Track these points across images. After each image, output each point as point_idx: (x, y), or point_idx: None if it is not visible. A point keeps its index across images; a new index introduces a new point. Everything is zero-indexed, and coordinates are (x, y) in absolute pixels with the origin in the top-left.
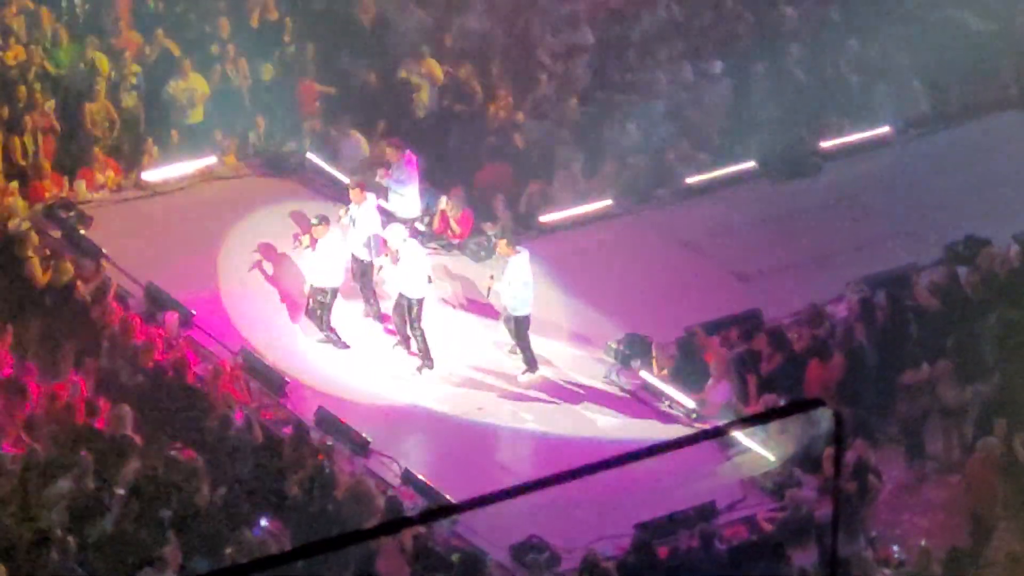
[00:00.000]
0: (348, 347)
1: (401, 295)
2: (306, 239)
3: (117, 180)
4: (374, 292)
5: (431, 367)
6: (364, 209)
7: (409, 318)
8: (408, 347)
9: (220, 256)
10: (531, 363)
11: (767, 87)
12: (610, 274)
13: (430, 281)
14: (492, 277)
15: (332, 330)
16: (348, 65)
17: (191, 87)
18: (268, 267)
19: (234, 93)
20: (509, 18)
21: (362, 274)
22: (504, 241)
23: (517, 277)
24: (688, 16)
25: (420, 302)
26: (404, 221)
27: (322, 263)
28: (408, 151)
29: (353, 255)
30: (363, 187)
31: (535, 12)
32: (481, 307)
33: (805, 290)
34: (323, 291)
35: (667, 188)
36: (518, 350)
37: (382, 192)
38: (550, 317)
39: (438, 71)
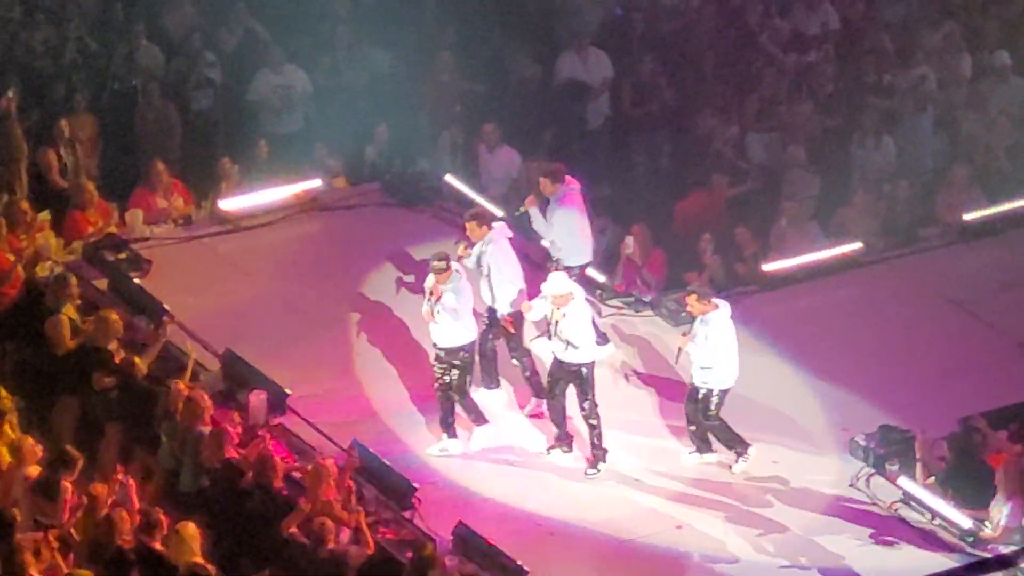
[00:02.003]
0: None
1: (562, 364)
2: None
3: (185, 210)
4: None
5: (604, 461)
6: (488, 243)
7: (581, 395)
8: (568, 447)
9: (325, 316)
10: (742, 443)
11: None
12: (856, 344)
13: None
14: (685, 335)
15: (472, 407)
16: (503, 53)
17: (286, 84)
18: (391, 331)
19: (346, 92)
20: None
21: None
22: (695, 296)
23: (715, 336)
24: None
25: (588, 373)
26: (569, 270)
27: (451, 317)
28: (569, 179)
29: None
30: (481, 218)
31: None
32: (675, 385)
33: None
34: (457, 352)
35: (936, 227)
36: (718, 437)
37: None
38: (771, 401)
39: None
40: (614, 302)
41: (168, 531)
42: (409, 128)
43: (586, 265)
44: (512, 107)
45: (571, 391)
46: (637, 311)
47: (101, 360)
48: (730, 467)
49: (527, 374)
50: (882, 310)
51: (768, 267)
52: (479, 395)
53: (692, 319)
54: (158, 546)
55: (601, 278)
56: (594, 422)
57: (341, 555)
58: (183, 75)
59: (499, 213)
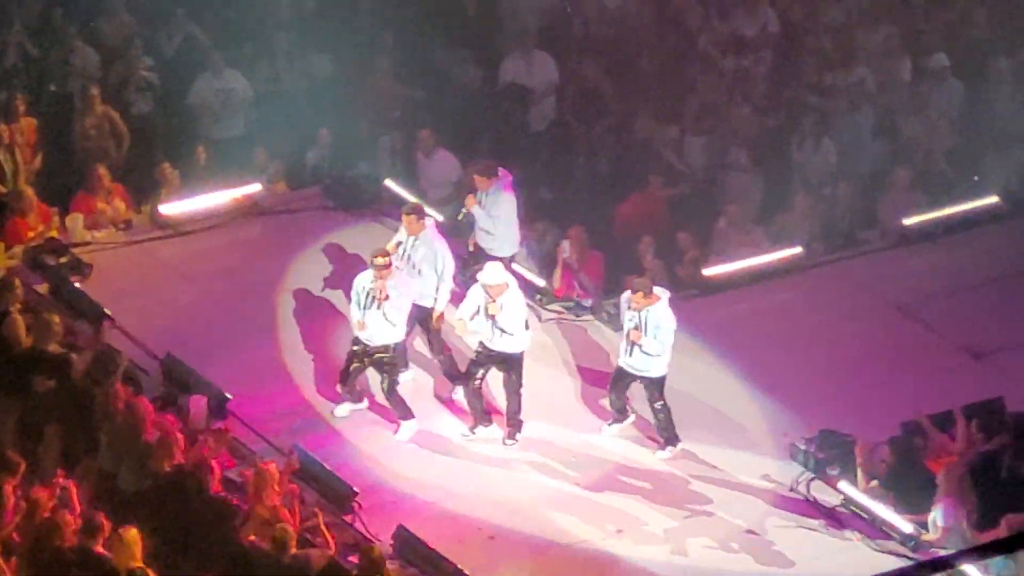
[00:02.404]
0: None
1: (492, 352)
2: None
3: (126, 215)
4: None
5: (519, 431)
6: (423, 241)
7: (514, 382)
8: (488, 422)
9: (266, 320)
10: (674, 435)
11: (1013, 91)
12: (797, 348)
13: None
14: (637, 328)
15: (396, 405)
16: (441, 58)
17: (227, 88)
18: (331, 333)
19: (286, 97)
20: None
21: (422, 326)
22: (640, 294)
23: (665, 327)
24: None
25: (520, 360)
26: (493, 259)
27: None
28: (502, 171)
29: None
30: (421, 213)
31: None
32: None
33: None
34: (384, 350)
35: (876, 231)
36: (656, 417)
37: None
38: (713, 405)
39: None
40: (554, 307)
41: (110, 535)
42: (349, 132)
43: (511, 257)
44: (451, 111)
45: (493, 376)
46: (577, 316)
47: (41, 363)
48: (654, 452)
49: (445, 367)
50: (823, 314)
51: (709, 271)
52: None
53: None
54: (100, 549)
55: (541, 282)
56: (516, 405)
57: (304, 559)
58: (123, 80)
59: (439, 217)
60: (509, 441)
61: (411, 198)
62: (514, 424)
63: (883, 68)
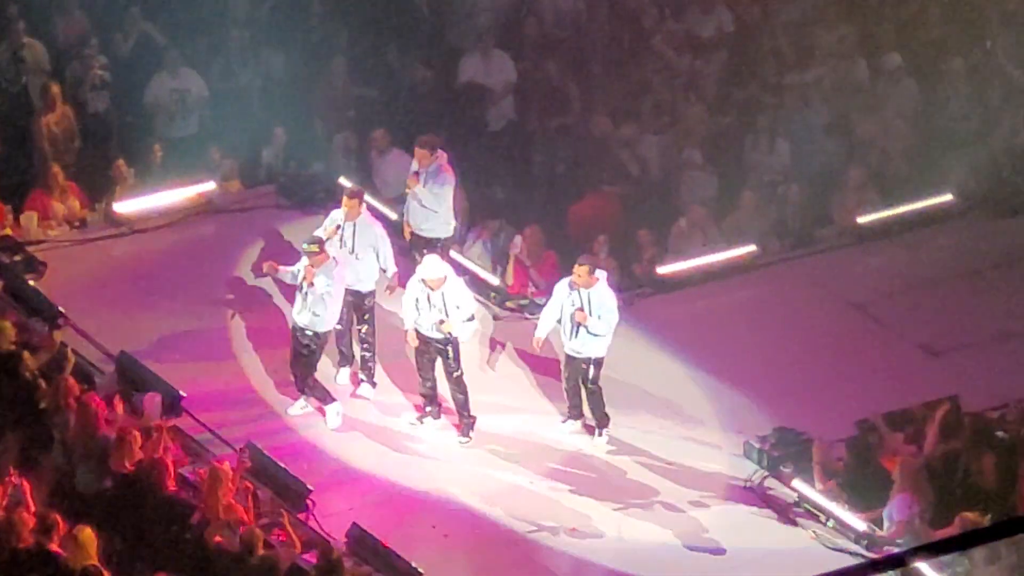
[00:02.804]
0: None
1: (431, 340)
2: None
3: (80, 213)
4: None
5: (472, 427)
6: (360, 224)
7: (452, 366)
8: (437, 414)
9: (219, 317)
10: (605, 416)
11: (967, 90)
12: (753, 346)
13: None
14: (581, 310)
15: (315, 390)
16: (395, 58)
17: (182, 87)
18: (285, 331)
19: (241, 96)
20: None
21: (357, 311)
22: (586, 268)
23: (608, 306)
24: None
25: (457, 345)
26: (434, 242)
27: (328, 302)
28: (441, 152)
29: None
30: (362, 195)
31: None
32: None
33: (1021, 370)
34: (315, 337)
35: (832, 229)
36: (590, 398)
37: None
38: (668, 402)
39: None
40: (510, 304)
41: (65, 534)
42: (304, 131)
43: (448, 239)
44: (406, 111)
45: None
46: (532, 314)
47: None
48: (592, 437)
49: (368, 356)
50: (779, 312)
51: (663, 269)
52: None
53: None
54: (55, 548)
55: (495, 280)
56: (462, 395)
57: (272, 559)
58: (78, 78)
59: (392, 216)
60: (463, 439)
61: (366, 197)
62: (466, 420)
63: (838, 67)
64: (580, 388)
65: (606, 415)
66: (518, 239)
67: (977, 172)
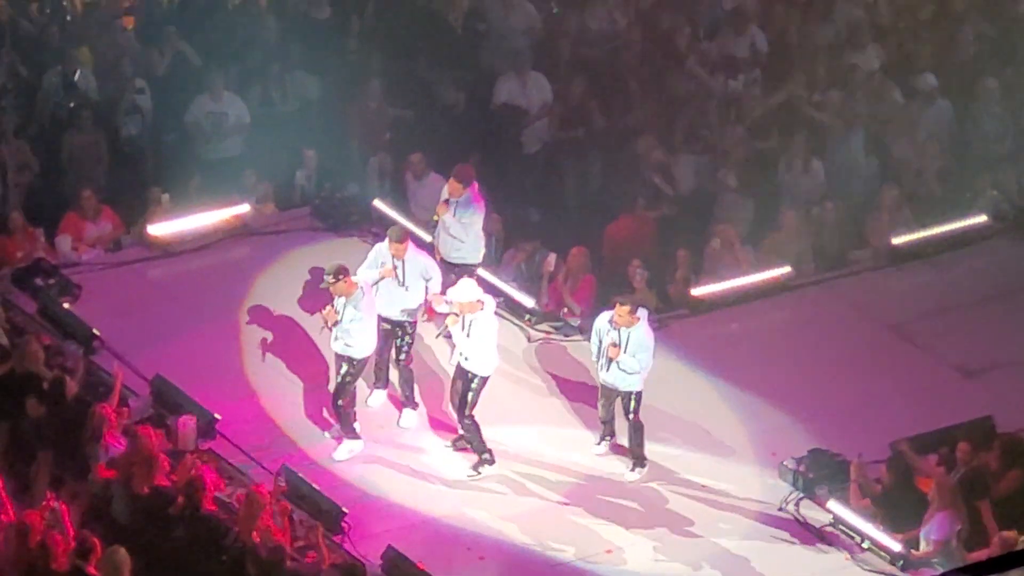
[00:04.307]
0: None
1: (466, 372)
2: (329, 312)
3: (114, 235)
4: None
5: (491, 462)
6: (409, 258)
7: (465, 402)
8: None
9: (254, 340)
10: (642, 457)
11: (1002, 114)
12: (787, 368)
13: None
14: (615, 346)
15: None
16: (430, 80)
17: (220, 111)
18: (319, 355)
19: (276, 118)
20: (649, 15)
21: (397, 339)
22: (627, 308)
23: (645, 345)
24: (898, 12)
25: (484, 382)
26: (464, 268)
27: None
28: (475, 183)
29: (392, 321)
30: (406, 237)
31: (684, 6)
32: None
33: None
34: (361, 364)
35: (868, 251)
36: (630, 434)
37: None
38: (702, 424)
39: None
40: (543, 327)
41: (100, 556)
42: (338, 154)
43: (478, 265)
44: (441, 133)
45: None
46: (566, 336)
47: (33, 386)
48: (623, 475)
49: (406, 382)
50: (813, 334)
51: (697, 291)
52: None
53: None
54: (92, 570)
55: (529, 302)
56: (470, 433)
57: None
58: (113, 101)
59: (427, 238)
60: (471, 473)
61: (400, 219)
62: (482, 456)
63: (873, 88)
64: (614, 417)
65: (643, 456)
66: (552, 257)
67: (1011, 193)
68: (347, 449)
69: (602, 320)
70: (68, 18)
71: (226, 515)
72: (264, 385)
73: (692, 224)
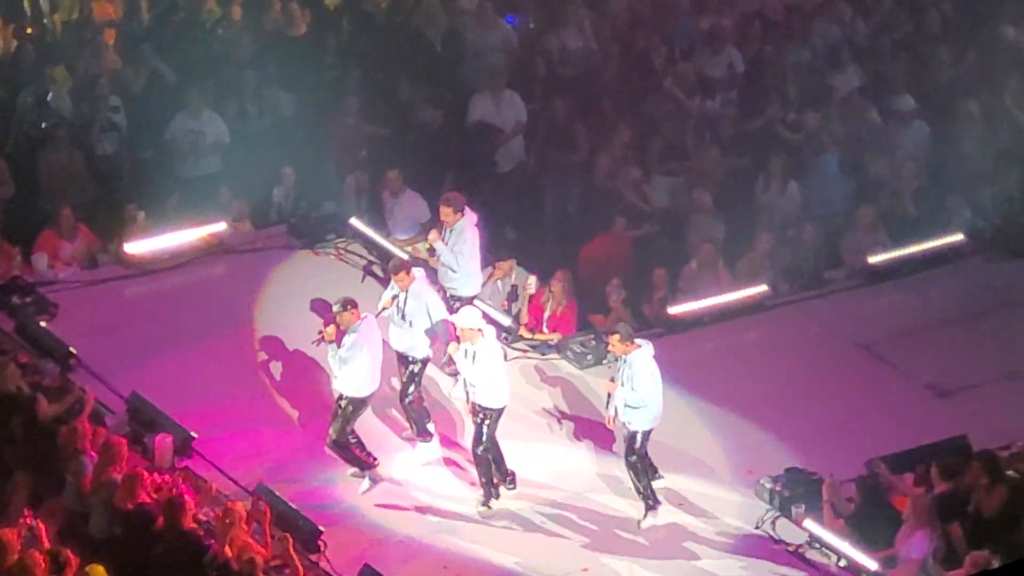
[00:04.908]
0: (376, 473)
1: (476, 406)
2: (330, 330)
3: (91, 253)
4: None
5: (496, 498)
6: (412, 294)
7: (479, 435)
8: (492, 492)
9: (230, 358)
10: (653, 497)
11: (979, 135)
12: (763, 386)
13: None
14: (613, 380)
15: (360, 452)
16: (407, 98)
17: (197, 129)
18: (295, 372)
19: (252, 136)
20: (625, 35)
21: (406, 376)
22: (617, 336)
23: (641, 377)
24: (875, 33)
25: (497, 415)
26: (459, 300)
27: (351, 364)
28: (471, 213)
29: (400, 355)
30: (408, 266)
31: (661, 26)
32: (587, 429)
33: None
34: (355, 402)
35: (842, 270)
36: (635, 480)
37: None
38: (678, 443)
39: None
40: (519, 345)
41: (76, 571)
42: (315, 171)
43: (474, 297)
44: (417, 151)
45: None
46: (543, 354)
47: (8, 404)
48: (638, 523)
49: (417, 416)
50: (789, 353)
51: (674, 310)
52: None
53: (598, 363)
54: None
55: (507, 321)
56: (487, 460)
57: None
58: (88, 119)
59: (403, 256)
60: (482, 508)
61: (377, 237)
62: (488, 489)
63: (850, 109)
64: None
65: (651, 496)
66: (532, 280)
67: (986, 213)
68: (367, 485)
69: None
70: (48, 38)
71: (205, 533)
72: (242, 403)
73: (665, 244)
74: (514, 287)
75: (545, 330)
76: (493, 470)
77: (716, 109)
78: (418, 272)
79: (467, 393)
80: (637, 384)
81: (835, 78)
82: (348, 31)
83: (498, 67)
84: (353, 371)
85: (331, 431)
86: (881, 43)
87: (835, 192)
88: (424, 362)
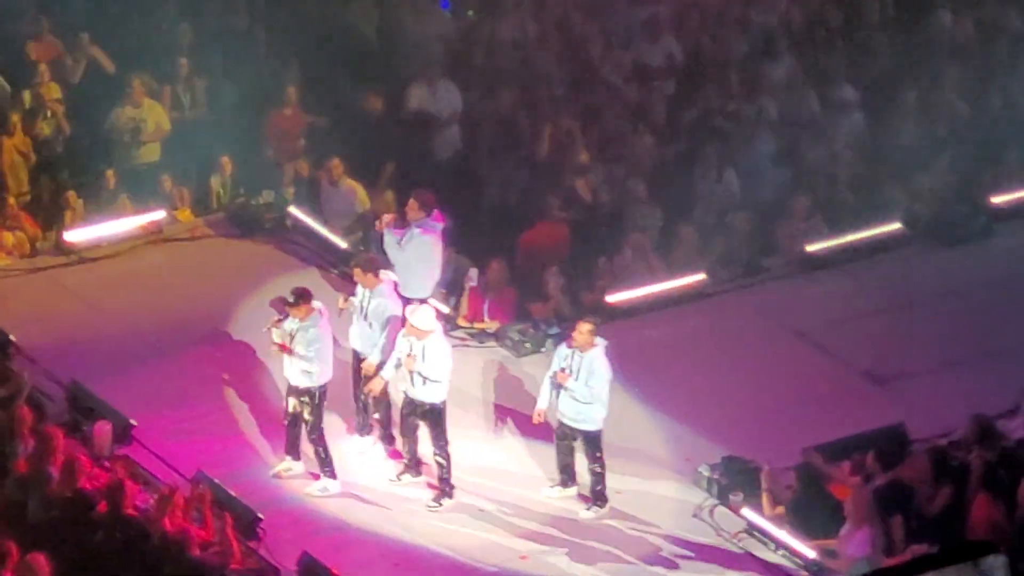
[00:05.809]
0: (334, 476)
1: (415, 402)
2: (277, 334)
3: (31, 241)
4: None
5: (450, 497)
6: (376, 295)
7: (433, 433)
8: (416, 472)
9: (170, 346)
10: (602, 495)
11: (917, 123)
12: (700, 374)
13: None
14: (563, 371)
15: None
16: (344, 88)
17: (140, 118)
18: (235, 359)
19: (189, 125)
20: (562, 23)
21: (367, 378)
22: (589, 328)
23: (599, 373)
24: (811, 23)
25: (442, 411)
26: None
27: (304, 356)
28: (437, 211)
29: (356, 352)
30: (376, 266)
31: (599, 15)
32: (525, 421)
33: (967, 398)
34: (306, 392)
35: (780, 258)
36: (590, 474)
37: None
38: (618, 433)
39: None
40: (457, 333)
41: (17, 561)
42: (254, 160)
43: (422, 301)
44: (356, 140)
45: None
46: (481, 342)
47: None
48: (579, 513)
49: (383, 419)
50: (727, 341)
51: (612, 298)
52: (351, 442)
53: (537, 351)
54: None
55: (445, 309)
56: (443, 460)
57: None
58: (30, 107)
59: (342, 245)
60: (432, 504)
61: (316, 226)
62: (445, 488)
63: (787, 99)
64: (573, 462)
65: (604, 495)
66: (473, 272)
67: (923, 202)
68: (321, 486)
69: (561, 349)
70: None
71: (145, 519)
72: (182, 391)
73: (603, 233)
74: (454, 277)
75: (486, 319)
76: (417, 448)
77: (654, 98)
78: (386, 275)
79: (408, 392)
80: (593, 380)
81: (772, 67)
82: (281, 25)
83: (435, 56)
84: (323, 361)
85: (307, 426)
86: (816, 32)
87: (770, 180)
88: (379, 365)
